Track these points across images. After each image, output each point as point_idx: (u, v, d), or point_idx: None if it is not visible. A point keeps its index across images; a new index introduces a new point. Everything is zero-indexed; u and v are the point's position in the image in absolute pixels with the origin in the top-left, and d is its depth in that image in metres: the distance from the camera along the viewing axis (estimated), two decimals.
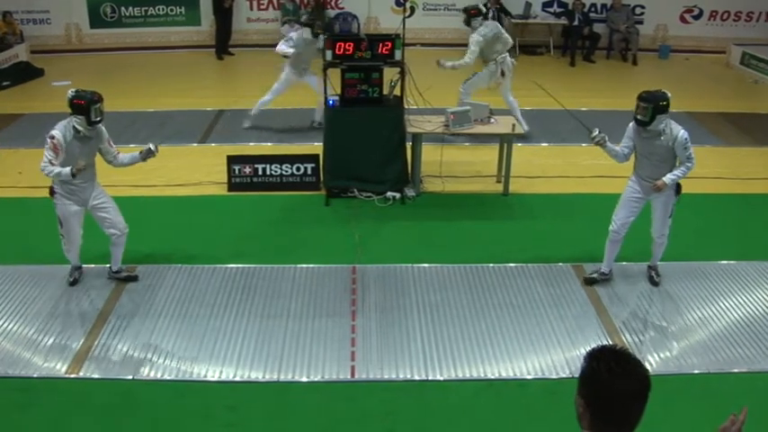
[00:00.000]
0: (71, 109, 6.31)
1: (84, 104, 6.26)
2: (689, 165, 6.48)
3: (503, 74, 10.48)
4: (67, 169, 6.27)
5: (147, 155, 6.85)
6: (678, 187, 6.66)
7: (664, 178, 6.48)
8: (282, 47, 10.43)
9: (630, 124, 6.61)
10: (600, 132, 6.74)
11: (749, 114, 12.26)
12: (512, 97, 10.68)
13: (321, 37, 10.23)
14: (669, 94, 6.39)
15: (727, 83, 14.57)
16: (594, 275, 7.01)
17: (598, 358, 2.49)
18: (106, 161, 6.82)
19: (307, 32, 10.44)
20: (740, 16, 16.65)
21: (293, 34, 10.59)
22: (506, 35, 10.63)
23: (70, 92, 6.35)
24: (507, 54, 10.52)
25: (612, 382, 2.43)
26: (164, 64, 15.33)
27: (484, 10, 11.25)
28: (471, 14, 10.55)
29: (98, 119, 6.36)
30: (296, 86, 10.87)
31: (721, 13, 16.65)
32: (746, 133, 11.17)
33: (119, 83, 13.80)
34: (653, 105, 6.30)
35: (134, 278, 7.03)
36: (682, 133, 6.39)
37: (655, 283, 7.02)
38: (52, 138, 6.25)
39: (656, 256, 7.04)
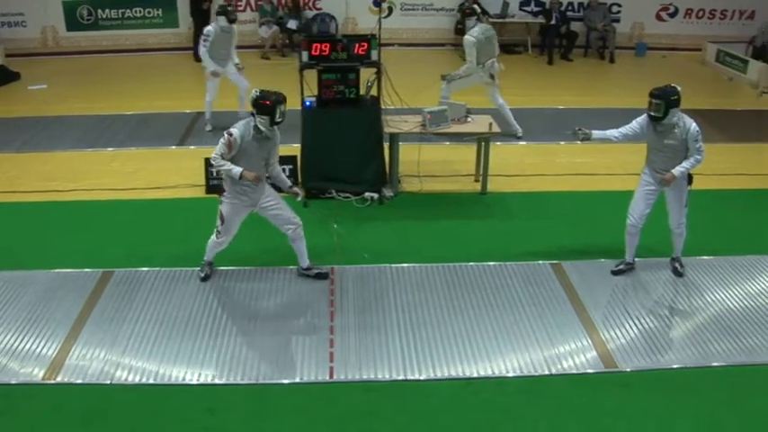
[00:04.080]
0: (255, 109, 6.31)
1: (270, 105, 6.27)
2: (698, 157, 6.64)
3: (492, 77, 10.41)
4: (238, 169, 6.30)
5: (289, 189, 6.86)
6: (690, 177, 6.81)
7: (673, 170, 6.64)
8: (201, 49, 10.37)
9: (644, 116, 6.74)
10: (580, 129, 6.90)
11: (724, 111, 12.38)
12: (501, 99, 10.63)
13: (234, 26, 10.40)
14: (679, 88, 6.58)
15: (703, 80, 14.67)
16: (621, 267, 7.16)
17: None
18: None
19: (222, 20, 10.38)
20: (715, 14, 16.85)
21: (209, 27, 10.43)
22: (496, 40, 10.51)
23: (255, 91, 6.35)
24: (495, 59, 10.41)
25: None
26: (141, 66, 15.23)
27: (478, 10, 10.98)
28: (466, 14, 10.41)
29: (281, 120, 6.38)
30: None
31: (696, 10, 16.85)
32: (721, 130, 11.26)
33: (96, 86, 13.75)
34: (665, 101, 6.51)
35: (324, 275, 7.03)
36: (694, 126, 6.60)
37: (679, 275, 7.16)
38: (230, 135, 6.27)
39: (678, 247, 7.18)
